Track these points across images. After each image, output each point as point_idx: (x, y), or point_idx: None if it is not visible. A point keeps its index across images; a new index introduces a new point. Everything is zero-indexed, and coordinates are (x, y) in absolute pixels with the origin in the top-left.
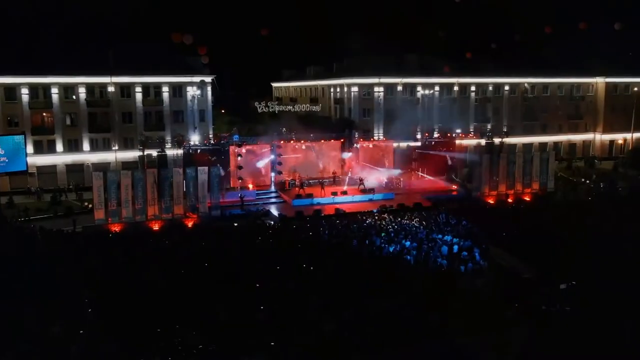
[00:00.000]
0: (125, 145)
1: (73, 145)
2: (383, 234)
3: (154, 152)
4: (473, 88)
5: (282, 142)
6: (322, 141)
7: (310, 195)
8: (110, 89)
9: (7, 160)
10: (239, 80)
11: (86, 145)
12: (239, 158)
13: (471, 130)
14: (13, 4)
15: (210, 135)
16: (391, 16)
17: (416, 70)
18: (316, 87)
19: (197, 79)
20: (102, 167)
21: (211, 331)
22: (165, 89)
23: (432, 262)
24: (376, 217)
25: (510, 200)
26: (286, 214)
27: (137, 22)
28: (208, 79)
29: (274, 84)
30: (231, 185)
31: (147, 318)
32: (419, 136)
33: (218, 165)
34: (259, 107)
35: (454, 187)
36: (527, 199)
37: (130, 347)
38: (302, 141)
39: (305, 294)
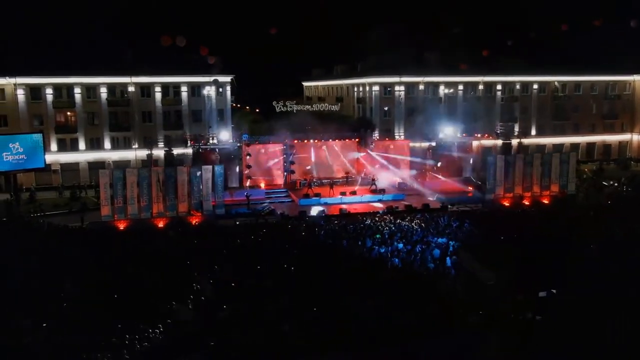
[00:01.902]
0: (145, 143)
1: (95, 144)
2: (378, 236)
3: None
4: (499, 87)
5: (295, 141)
6: (337, 140)
7: (318, 195)
8: (131, 88)
9: (25, 158)
10: (273, 79)
11: (107, 144)
12: (248, 157)
13: (496, 130)
14: (38, 7)
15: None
16: (414, 13)
17: (439, 69)
18: (341, 86)
19: (215, 78)
20: (123, 165)
21: (169, 328)
22: (184, 88)
23: (420, 264)
24: (376, 219)
25: (527, 202)
26: (288, 214)
27: (159, 23)
28: (227, 79)
29: (305, 83)
30: (243, 184)
31: (114, 313)
32: (442, 136)
33: (223, 164)
34: (277, 106)
35: (470, 188)
36: (545, 201)
37: (89, 341)
38: (316, 140)
39: (276, 294)
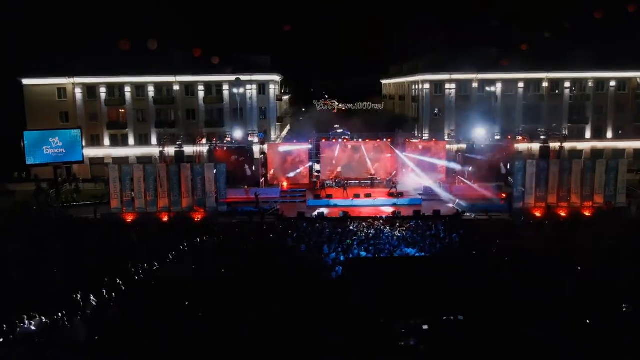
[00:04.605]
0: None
1: (143, 139)
2: (348, 241)
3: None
4: (567, 84)
5: (323, 140)
6: (367, 141)
7: (329, 197)
8: (176, 87)
9: (64, 152)
10: (358, 76)
11: (154, 140)
12: (262, 156)
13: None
14: (94, 12)
15: (274, 133)
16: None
17: (495, 65)
18: (403, 84)
19: (257, 77)
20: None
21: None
22: (225, 87)
23: None
24: (363, 224)
25: (563, 214)
26: (284, 214)
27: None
28: (272, 77)
29: (383, 81)
30: (267, 182)
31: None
32: (477, 137)
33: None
34: (318, 105)
35: (503, 195)
36: (587, 213)
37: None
38: (345, 140)
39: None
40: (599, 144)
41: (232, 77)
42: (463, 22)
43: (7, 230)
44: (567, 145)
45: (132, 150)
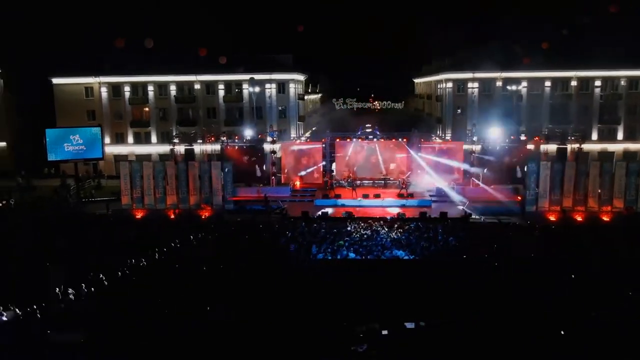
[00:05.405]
0: (166, 139)
1: (165, 137)
2: (341, 242)
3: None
4: (598, 82)
5: (337, 140)
6: (382, 140)
7: (337, 196)
8: (197, 86)
9: (85, 149)
10: (390, 75)
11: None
12: (273, 155)
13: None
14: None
15: (294, 132)
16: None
17: (520, 63)
18: (429, 83)
19: (276, 76)
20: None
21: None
22: (245, 86)
23: None
24: (362, 225)
25: (579, 218)
26: (289, 213)
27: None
28: (292, 77)
29: (415, 80)
30: (272, 182)
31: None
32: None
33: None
34: (337, 104)
35: (519, 198)
36: (606, 218)
37: None
38: (359, 139)
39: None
40: (632, 146)
41: (250, 76)
42: (462, 22)
43: (21, 225)
44: (597, 146)
45: (154, 148)
